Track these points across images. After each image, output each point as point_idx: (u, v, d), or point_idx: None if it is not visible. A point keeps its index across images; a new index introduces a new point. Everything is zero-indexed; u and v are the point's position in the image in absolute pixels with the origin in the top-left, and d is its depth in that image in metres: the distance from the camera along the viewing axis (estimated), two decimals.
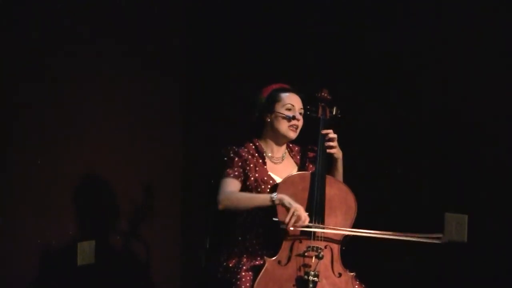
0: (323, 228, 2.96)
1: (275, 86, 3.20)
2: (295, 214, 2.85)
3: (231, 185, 3.06)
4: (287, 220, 2.85)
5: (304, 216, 2.87)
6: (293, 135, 3.14)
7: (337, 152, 3.16)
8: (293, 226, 2.87)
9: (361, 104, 3.91)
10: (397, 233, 2.98)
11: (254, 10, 4.21)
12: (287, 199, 2.89)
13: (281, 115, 3.12)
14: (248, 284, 2.91)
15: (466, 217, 3.74)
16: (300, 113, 3.15)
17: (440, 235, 2.98)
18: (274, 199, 2.91)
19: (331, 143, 3.12)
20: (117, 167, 3.94)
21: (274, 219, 2.91)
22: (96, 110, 3.85)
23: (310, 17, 4.07)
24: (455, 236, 3.74)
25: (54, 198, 3.69)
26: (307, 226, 2.91)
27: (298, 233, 2.94)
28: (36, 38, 3.56)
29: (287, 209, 2.87)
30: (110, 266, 3.92)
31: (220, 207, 3.01)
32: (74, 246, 3.78)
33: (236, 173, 3.08)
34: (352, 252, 3.07)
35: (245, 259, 3.03)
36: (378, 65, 3.89)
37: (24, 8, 3.50)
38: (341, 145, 3.18)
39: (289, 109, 3.13)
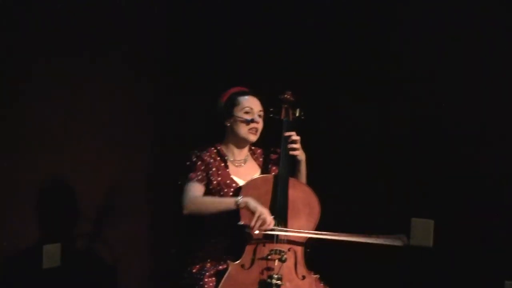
0: (286, 231, 2.95)
1: (233, 90, 3.20)
2: (260, 217, 2.86)
3: (195, 189, 3.05)
4: (252, 223, 2.86)
5: (269, 220, 2.88)
6: (253, 138, 3.14)
7: (300, 154, 3.16)
8: (258, 229, 2.87)
9: (330, 106, 3.94)
10: (359, 235, 2.98)
11: (223, 15, 4.21)
12: (252, 203, 2.89)
13: (239, 119, 3.12)
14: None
15: (432, 222, 3.78)
16: (260, 115, 3.15)
17: (402, 236, 2.98)
18: (239, 202, 2.91)
19: (293, 145, 3.13)
20: (84, 170, 3.90)
21: (239, 223, 2.91)
22: (62, 111, 3.80)
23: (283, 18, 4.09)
24: (421, 241, 3.78)
25: (19, 200, 3.65)
26: (271, 229, 2.91)
27: (262, 236, 2.93)
28: None
29: (252, 213, 2.87)
30: (76, 269, 3.89)
31: (185, 212, 3.01)
32: (40, 248, 3.74)
33: (200, 177, 3.08)
34: (317, 254, 3.08)
35: (208, 264, 3.03)
36: (349, 66, 3.92)
37: None
38: (307, 147, 3.19)
39: (247, 112, 3.12)
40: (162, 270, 4.09)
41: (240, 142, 3.18)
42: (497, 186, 3.63)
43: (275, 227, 2.92)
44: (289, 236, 2.97)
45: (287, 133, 3.14)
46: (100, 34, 3.94)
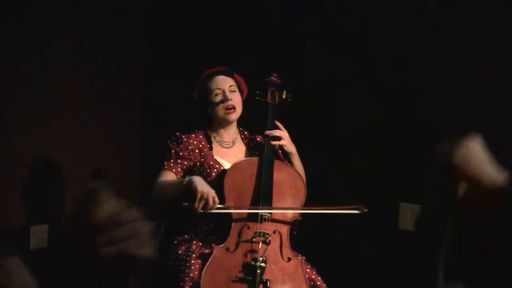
0: (270, 210, 2.95)
1: (202, 77, 3.20)
2: (202, 198, 2.85)
3: (163, 177, 3.07)
4: (195, 205, 2.86)
5: (212, 200, 2.87)
6: (233, 116, 3.14)
7: (287, 145, 3.15)
8: (203, 210, 2.86)
9: (322, 91, 3.91)
10: (319, 207, 3.01)
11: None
12: (195, 183, 2.89)
13: (213, 103, 3.12)
14: (196, 272, 2.90)
15: (420, 207, 3.77)
16: (232, 90, 3.14)
17: (359, 207, 2.98)
18: (185, 182, 2.92)
19: (274, 142, 3.11)
20: (72, 149, 3.90)
21: (184, 204, 2.91)
22: (49, 90, 3.78)
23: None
24: (409, 226, 3.78)
25: (6, 181, 3.64)
26: (256, 210, 2.92)
27: (246, 218, 2.94)
28: None
29: (194, 194, 2.87)
30: (64, 250, 3.87)
31: (155, 199, 3.06)
32: (27, 229, 3.73)
33: (172, 165, 3.08)
34: (304, 236, 3.08)
35: (194, 246, 3.03)
36: (345, 51, 3.88)
37: None
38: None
39: (217, 95, 3.12)
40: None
41: (224, 124, 3.18)
42: None
43: (259, 207, 2.92)
44: (274, 217, 2.97)
45: (268, 132, 3.12)
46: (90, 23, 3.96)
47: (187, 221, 3.13)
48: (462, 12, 3.54)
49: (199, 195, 2.85)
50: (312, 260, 3.08)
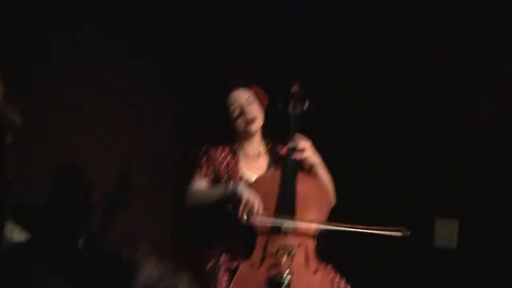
0: (294, 223, 2.92)
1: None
2: (247, 204, 2.85)
3: (197, 184, 3.11)
4: (240, 210, 2.86)
5: (257, 207, 2.86)
6: (253, 127, 3.14)
7: (310, 157, 3.11)
8: (247, 217, 2.86)
9: (353, 102, 3.90)
10: (359, 226, 2.93)
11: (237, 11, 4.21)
12: (240, 188, 2.90)
13: (233, 118, 3.14)
14: (224, 285, 2.90)
15: (457, 222, 3.70)
16: (249, 102, 3.14)
17: (402, 228, 2.94)
18: (229, 187, 2.93)
19: (297, 155, 3.08)
20: (106, 159, 3.89)
21: (228, 207, 2.92)
22: (90, 102, 3.81)
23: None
24: (445, 242, 3.71)
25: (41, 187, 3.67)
26: (275, 222, 2.90)
27: (270, 232, 2.92)
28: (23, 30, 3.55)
29: (239, 200, 2.87)
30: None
31: (186, 203, 3.07)
32: None
33: (203, 172, 3.12)
34: (334, 246, 3.04)
35: (222, 260, 3.02)
36: (373, 61, 3.87)
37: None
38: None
39: (235, 109, 3.14)
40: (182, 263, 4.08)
41: (247, 137, 3.19)
42: None
43: (284, 220, 2.90)
44: (298, 230, 2.94)
45: (291, 144, 3.09)
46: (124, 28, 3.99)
47: (217, 233, 3.14)
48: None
49: (245, 201, 2.86)
50: (343, 270, 3.04)
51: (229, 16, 4.21)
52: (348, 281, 3.02)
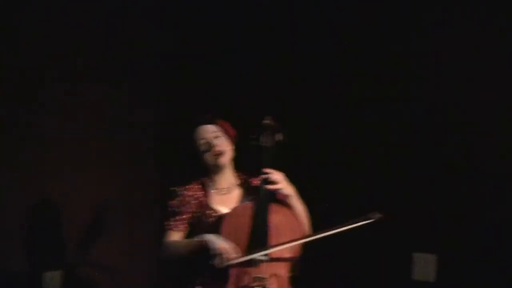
0: (265, 253, 2.93)
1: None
2: (218, 254, 2.89)
3: (170, 236, 3.14)
4: (215, 262, 2.90)
5: (231, 252, 2.90)
6: (222, 160, 3.17)
7: (284, 189, 3.11)
8: (222, 264, 2.89)
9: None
10: (330, 229, 2.94)
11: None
12: (211, 242, 2.94)
13: (201, 152, 3.19)
14: None
15: (434, 256, 3.70)
16: (216, 136, 3.18)
17: (371, 214, 2.94)
18: (203, 243, 2.96)
19: (270, 186, 3.09)
20: (87, 195, 3.95)
21: (210, 262, 2.93)
22: (58, 137, 3.86)
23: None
24: (422, 276, 3.71)
25: (18, 225, 3.71)
26: (248, 256, 2.91)
27: (243, 264, 2.93)
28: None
29: (213, 251, 2.90)
30: None
31: (163, 257, 3.13)
32: (39, 276, 3.78)
33: (173, 224, 3.15)
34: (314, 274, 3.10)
35: None
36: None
37: None
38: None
39: (203, 144, 3.19)
40: None
41: (217, 171, 3.22)
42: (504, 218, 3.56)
43: (255, 253, 2.91)
44: (270, 261, 2.95)
45: (264, 176, 3.10)
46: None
47: (192, 273, 3.14)
48: None
49: (217, 252, 2.90)
50: None
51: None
52: None
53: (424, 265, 3.72)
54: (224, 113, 3.27)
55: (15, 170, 3.69)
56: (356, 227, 2.95)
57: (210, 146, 3.16)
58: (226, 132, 3.23)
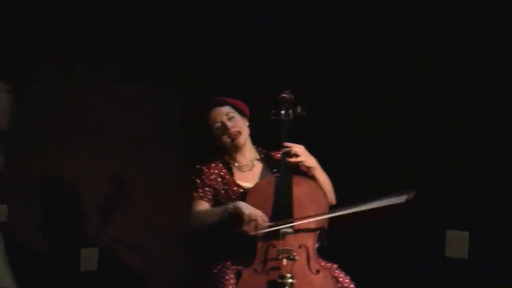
0: (291, 225, 2.95)
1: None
2: (250, 221, 2.90)
3: (197, 206, 3.14)
4: (246, 228, 2.90)
5: (261, 219, 2.91)
6: (240, 140, 3.20)
7: (305, 161, 3.14)
8: (254, 232, 2.90)
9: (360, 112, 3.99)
10: (358, 205, 2.92)
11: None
12: (239, 208, 2.94)
13: (217, 136, 3.20)
14: (231, 287, 2.93)
15: (467, 234, 3.70)
16: (229, 118, 3.19)
17: (408, 191, 2.91)
18: (229, 210, 2.97)
19: (291, 160, 3.11)
20: (125, 175, 4.03)
21: (234, 230, 2.94)
22: (107, 119, 3.95)
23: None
24: (455, 253, 3.71)
25: (58, 203, 3.79)
26: (273, 226, 2.93)
27: (269, 237, 2.95)
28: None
29: (241, 218, 2.91)
30: (113, 273, 3.98)
31: (191, 228, 3.13)
32: (78, 252, 3.86)
33: (202, 193, 3.16)
34: (341, 244, 3.10)
35: (229, 263, 3.06)
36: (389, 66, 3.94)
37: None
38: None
39: (218, 127, 3.19)
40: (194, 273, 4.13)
41: (236, 150, 3.24)
42: None
43: (278, 222, 2.93)
44: (297, 232, 2.97)
45: (284, 150, 3.12)
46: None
47: (221, 248, 3.17)
48: None
49: (247, 218, 2.90)
50: (348, 267, 3.07)
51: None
52: (353, 280, 3.04)
53: (457, 242, 3.71)
54: (239, 88, 3.29)
55: (52, 152, 3.77)
56: (390, 203, 2.94)
57: (225, 128, 3.18)
58: (238, 111, 3.25)
